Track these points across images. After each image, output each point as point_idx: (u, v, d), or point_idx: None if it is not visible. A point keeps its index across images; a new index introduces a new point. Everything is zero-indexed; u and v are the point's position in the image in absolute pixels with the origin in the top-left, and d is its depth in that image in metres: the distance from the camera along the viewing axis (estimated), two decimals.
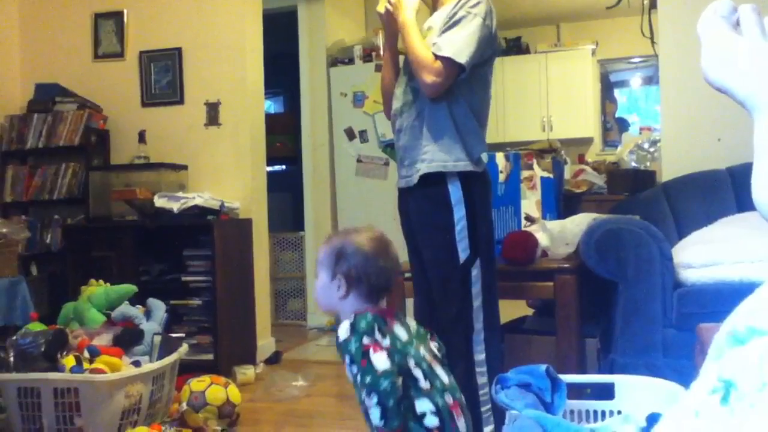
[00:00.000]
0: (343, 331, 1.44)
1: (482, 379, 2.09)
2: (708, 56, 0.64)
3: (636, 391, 1.88)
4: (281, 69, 5.21)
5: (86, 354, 2.57)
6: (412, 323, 1.59)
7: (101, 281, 3.15)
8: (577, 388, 1.96)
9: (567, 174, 4.29)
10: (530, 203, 2.85)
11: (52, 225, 4.09)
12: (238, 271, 3.79)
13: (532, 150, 3.39)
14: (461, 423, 1.47)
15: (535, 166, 2.92)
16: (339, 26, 5.15)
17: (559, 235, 2.70)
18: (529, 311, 3.19)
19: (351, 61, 4.92)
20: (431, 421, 1.42)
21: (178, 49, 4.03)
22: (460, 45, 2.03)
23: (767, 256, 2.31)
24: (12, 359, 2.48)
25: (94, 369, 2.47)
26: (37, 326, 2.77)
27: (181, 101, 4.02)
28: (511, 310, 2.92)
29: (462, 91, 2.11)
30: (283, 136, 5.88)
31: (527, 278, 2.49)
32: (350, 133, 4.90)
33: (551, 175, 3.01)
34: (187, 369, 3.04)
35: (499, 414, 1.98)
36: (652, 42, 3.89)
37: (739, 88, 0.61)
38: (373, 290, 1.52)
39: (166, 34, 4.06)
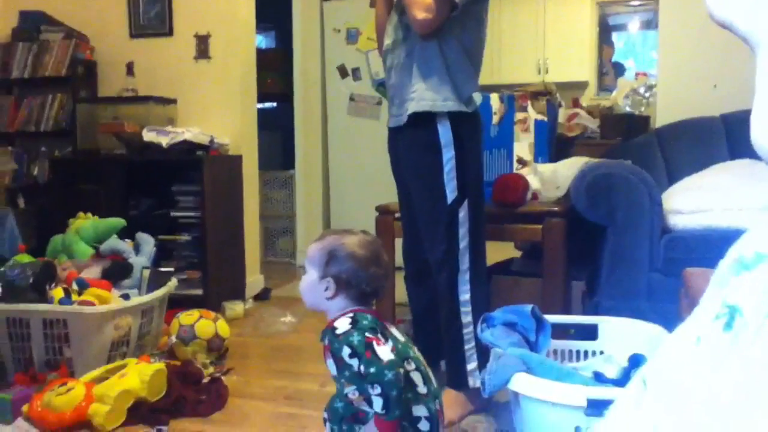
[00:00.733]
0: (344, 324, 1.43)
1: (467, 318, 2.12)
2: None
3: (618, 333, 1.92)
4: (272, 2, 5.07)
5: (75, 286, 2.58)
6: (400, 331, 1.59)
7: (89, 214, 3.14)
8: (562, 329, 1.99)
9: (561, 117, 4.25)
10: (523, 146, 2.83)
11: (39, 157, 4.04)
12: (228, 207, 3.78)
13: (527, 92, 3.34)
14: (441, 429, 1.50)
15: (530, 108, 2.88)
16: None
17: (550, 179, 2.70)
18: (517, 253, 3.21)
19: None
20: (424, 426, 1.45)
21: None
22: None
23: (756, 204, 2.32)
24: (0, 290, 2.49)
25: (83, 301, 2.48)
26: (25, 258, 2.77)
27: (170, 33, 3.92)
28: (499, 252, 2.93)
29: (454, 30, 2.05)
30: (274, 73, 5.77)
31: (516, 220, 2.49)
32: (343, 71, 4.82)
33: (545, 118, 2.98)
34: (177, 304, 3.07)
35: (483, 352, 2.01)
36: None
37: (743, 22, 0.60)
38: (363, 295, 1.50)
39: None
